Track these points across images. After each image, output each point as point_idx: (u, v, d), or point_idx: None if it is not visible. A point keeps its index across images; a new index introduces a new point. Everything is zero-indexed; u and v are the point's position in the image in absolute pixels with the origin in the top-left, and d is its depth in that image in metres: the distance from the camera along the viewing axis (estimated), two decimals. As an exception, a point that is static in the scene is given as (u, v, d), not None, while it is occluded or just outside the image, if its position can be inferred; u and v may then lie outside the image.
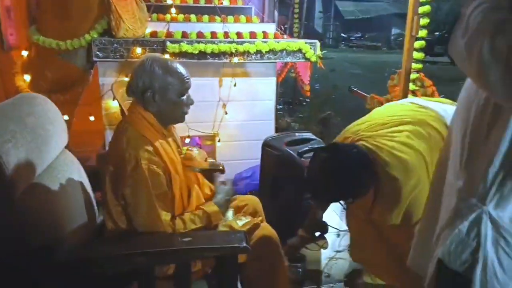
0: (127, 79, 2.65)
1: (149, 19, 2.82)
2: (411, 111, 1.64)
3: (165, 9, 2.94)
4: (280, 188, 2.28)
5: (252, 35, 2.82)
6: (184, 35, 2.73)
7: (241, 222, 1.49)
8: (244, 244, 1.22)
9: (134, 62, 2.62)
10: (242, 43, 2.71)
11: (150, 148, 1.33)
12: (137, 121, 1.38)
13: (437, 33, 14.39)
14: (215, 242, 1.24)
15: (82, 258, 1.18)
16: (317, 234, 2.47)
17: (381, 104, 4.06)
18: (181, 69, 1.41)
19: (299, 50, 2.80)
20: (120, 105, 2.35)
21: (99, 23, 2.58)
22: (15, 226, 1.12)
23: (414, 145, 1.47)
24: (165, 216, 1.32)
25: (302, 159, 2.22)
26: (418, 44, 2.28)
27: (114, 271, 1.21)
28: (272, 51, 2.77)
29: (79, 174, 1.60)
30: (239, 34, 2.79)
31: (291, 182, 2.24)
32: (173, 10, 2.92)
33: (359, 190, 1.53)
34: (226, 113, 2.89)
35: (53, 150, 1.46)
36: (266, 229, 1.54)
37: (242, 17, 3.00)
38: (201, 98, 3.01)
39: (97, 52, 2.55)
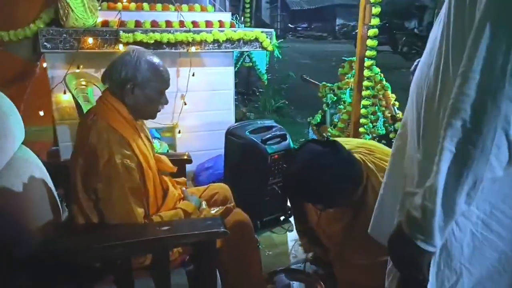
0: (78, 70, 2.56)
1: (99, 8, 2.70)
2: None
3: (115, -3, 2.83)
4: (245, 175, 2.31)
5: (208, 24, 2.80)
6: (138, 24, 2.65)
7: (214, 211, 1.51)
8: (223, 229, 1.24)
9: (86, 53, 2.52)
10: (198, 32, 2.68)
11: (123, 141, 1.30)
12: (108, 113, 1.34)
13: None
14: (194, 228, 1.24)
15: (59, 250, 1.14)
16: (282, 218, 2.55)
17: (332, 91, 4.22)
18: (164, 68, 1.41)
19: (256, 39, 2.82)
20: (74, 97, 2.25)
21: (46, 12, 2.44)
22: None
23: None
24: (140, 211, 1.31)
25: (265, 146, 2.26)
26: (371, 32, 2.39)
27: (92, 263, 1.18)
28: (229, 40, 2.77)
29: (40, 170, 1.52)
30: (194, 23, 2.76)
31: (256, 169, 2.28)
32: (124, -2, 2.82)
33: (338, 199, 1.49)
34: (185, 104, 2.86)
35: (11, 146, 1.38)
36: (239, 214, 1.57)
37: (197, 6, 2.96)
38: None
39: (45, 43, 2.40)
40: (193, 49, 2.68)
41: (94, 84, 2.51)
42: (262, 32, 2.84)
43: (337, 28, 19.32)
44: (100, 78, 2.59)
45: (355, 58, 3.77)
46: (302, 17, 19.51)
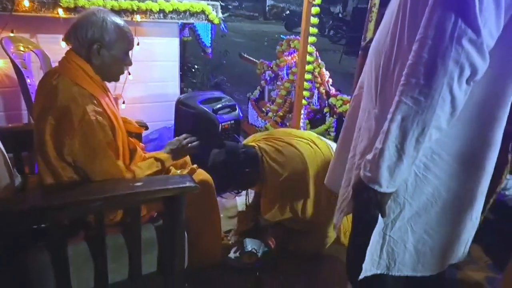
0: (12, 35, 2.39)
1: (33, -32, 2.52)
2: (309, 134, 2.09)
3: (52, -42, 2.65)
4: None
5: (154, -7, 2.76)
6: (78, -12, 2.53)
7: (179, 171, 1.59)
8: (195, 184, 1.34)
9: (21, 16, 2.36)
10: (144, 0, 2.64)
11: (92, 98, 1.31)
12: (73, 72, 1.33)
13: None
14: (167, 183, 1.32)
15: (38, 207, 1.14)
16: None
17: (270, 69, 4.39)
18: (129, 29, 1.42)
19: (202, 12, 2.85)
20: (13, 62, 2.12)
21: (-26, -32, 2.22)
22: None
23: (296, 146, 1.90)
24: (121, 163, 1.34)
25: (216, 115, 2.35)
26: (314, 10, 2.57)
27: (70, 219, 1.20)
28: (175, 11, 2.76)
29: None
30: (139, -9, 2.70)
31: (208, 137, 2.36)
32: (61, -41, 2.65)
33: (242, 183, 1.94)
34: (129, 74, 2.82)
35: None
36: (202, 174, 1.66)
37: (141, -26, 2.89)
38: (100, 58, 2.88)
39: (-27, 3, 2.21)
40: (138, 17, 2.64)
41: (32, 51, 2.37)
42: (208, 4, 2.87)
43: (267, 8, 19.50)
44: (36, 44, 2.47)
45: (292, 36, 3.98)
46: (233, -5, 19.32)
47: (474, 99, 0.90)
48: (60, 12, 2.42)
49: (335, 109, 3.63)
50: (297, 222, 1.97)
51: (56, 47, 2.59)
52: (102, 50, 1.35)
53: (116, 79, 1.47)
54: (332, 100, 3.58)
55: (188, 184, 1.32)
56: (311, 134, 2.13)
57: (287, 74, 4.22)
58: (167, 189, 1.30)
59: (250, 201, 2.26)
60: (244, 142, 2.13)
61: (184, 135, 1.69)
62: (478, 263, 2.26)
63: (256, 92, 4.56)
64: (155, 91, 2.99)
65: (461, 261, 1.17)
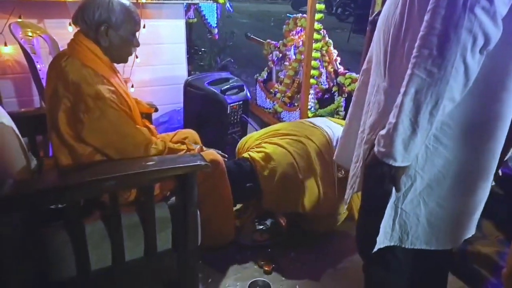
0: (20, 20, 2.40)
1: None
2: (301, 128, 2.13)
3: None
4: (205, 125, 2.40)
5: (158, -27, 2.74)
6: (83, -29, 2.52)
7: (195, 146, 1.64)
8: (206, 162, 1.35)
9: (28, 1, 2.37)
10: (149, -19, 2.62)
11: (103, 78, 1.33)
12: (82, 53, 1.34)
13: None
14: (179, 162, 1.34)
15: (54, 186, 1.17)
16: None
17: (277, 49, 4.34)
18: (135, 9, 1.43)
19: (208, -8, 2.83)
20: (22, 47, 2.13)
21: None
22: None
23: (284, 146, 1.97)
24: (144, 129, 1.39)
25: (225, 96, 2.36)
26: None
27: (85, 198, 1.24)
28: (180, -8, 2.75)
29: (7, 119, 1.49)
30: (144, -28, 2.69)
31: (216, 119, 2.38)
32: None
33: (249, 196, 1.98)
34: (137, 57, 2.82)
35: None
36: (212, 154, 1.68)
37: (146, -46, 2.86)
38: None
39: (-20, -11, 2.22)
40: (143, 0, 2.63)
41: (40, 36, 2.39)
42: (213, -16, 2.85)
43: (273, -12, 19.17)
44: (44, 29, 2.48)
45: (299, 15, 3.92)
46: (237, -25, 19.01)
47: (483, 69, 0.89)
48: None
49: (343, 88, 3.59)
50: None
51: (64, 32, 2.60)
52: (109, 31, 1.36)
53: (125, 61, 1.49)
54: (340, 79, 3.54)
55: (198, 162, 1.34)
56: (301, 123, 2.18)
57: (295, 54, 4.18)
58: (178, 168, 1.32)
59: None
60: (238, 145, 2.20)
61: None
62: (489, 238, 2.26)
63: (264, 73, 4.53)
64: (163, 74, 2.99)
65: (472, 234, 1.17)
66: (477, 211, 1.12)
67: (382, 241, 1.12)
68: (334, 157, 1.45)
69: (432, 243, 1.13)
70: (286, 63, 4.33)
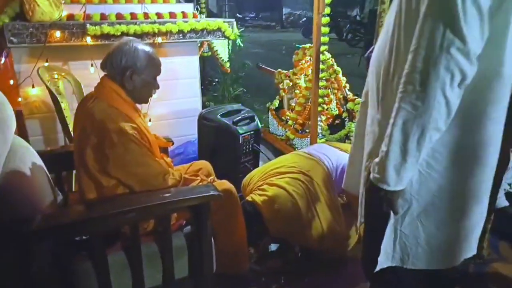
0: (47, 64, 2.60)
1: (63, 1, 2.74)
2: (299, 162, 2.19)
3: (78, -9, 2.87)
4: (218, 156, 2.51)
5: (172, 15, 2.93)
6: (103, 17, 2.73)
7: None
8: (218, 192, 1.45)
9: (53, 46, 2.57)
10: (163, 23, 2.80)
11: (126, 117, 1.46)
12: (108, 95, 1.49)
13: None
14: (193, 193, 1.44)
15: (80, 219, 1.28)
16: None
17: (288, 77, 4.48)
18: (156, 56, 1.59)
19: (219, 29, 3.00)
20: (49, 90, 2.31)
21: (10, 7, 2.46)
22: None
23: (285, 187, 2.04)
24: (162, 162, 1.52)
25: (237, 127, 2.47)
26: (324, 20, 2.67)
27: (108, 230, 1.33)
28: (193, 31, 2.91)
29: (37, 157, 1.63)
30: (159, 15, 2.88)
31: (229, 149, 2.48)
32: (87, -8, 2.86)
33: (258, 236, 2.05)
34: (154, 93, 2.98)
35: (10, 133, 1.48)
36: (225, 183, 1.78)
37: (159, -2, 3.07)
38: (125, 80, 3.07)
39: (11, 38, 2.42)
40: (159, 39, 2.81)
41: (65, 77, 2.57)
42: (224, 22, 3.02)
43: (284, 17, 19.71)
44: (68, 71, 2.67)
45: (308, 45, 4.08)
46: (249, 6, 19.67)
47: (464, 101, 0.97)
48: (88, 40, 2.61)
49: (353, 113, 3.69)
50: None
51: (85, 72, 2.80)
52: (134, 76, 1.50)
53: (146, 101, 1.62)
54: (350, 105, 3.63)
55: (212, 192, 1.44)
56: (299, 156, 2.27)
57: (305, 82, 4.31)
58: (193, 198, 1.42)
59: None
60: (243, 183, 2.29)
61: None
62: (507, 260, 2.26)
63: (276, 102, 4.67)
64: (179, 108, 3.14)
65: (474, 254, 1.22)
66: (474, 232, 1.17)
67: (383, 261, 1.17)
68: (343, 185, 1.53)
69: (432, 263, 1.18)
70: (297, 91, 4.46)
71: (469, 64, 0.90)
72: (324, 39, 2.78)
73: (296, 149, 3.93)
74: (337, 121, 3.94)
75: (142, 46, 1.54)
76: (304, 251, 2.14)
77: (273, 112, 4.56)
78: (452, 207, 1.12)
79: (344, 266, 2.09)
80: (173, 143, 2.02)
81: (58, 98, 2.29)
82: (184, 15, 2.98)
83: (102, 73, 2.92)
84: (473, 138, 1.06)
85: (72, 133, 1.72)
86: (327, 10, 2.66)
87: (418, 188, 1.10)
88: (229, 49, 3.59)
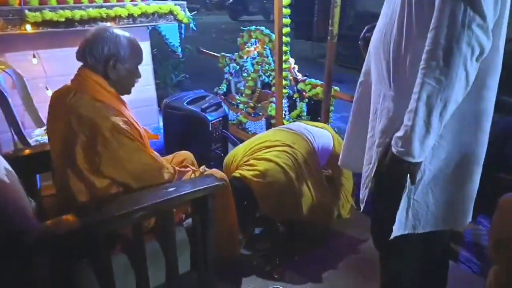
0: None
1: (-8, -16, 2.40)
2: (283, 136, 2.22)
3: (8, -28, 2.53)
4: (188, 144, 2.42)
5: (119, -2, 2.73)
6: (42, 1, 2.46)
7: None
8: (222, 181, 1.42)
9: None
10: (111, 7, 2.61)
11: (114, 111, 1.34)
12: (91, 88, 1.35)
13: (248, -6, 15.58)
14: (198, 185, 1.38)
15: (92, 222, 1.17)
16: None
17: (234, 61, 4.44)
18: (138, 43, 1.47)
19: (170, 12, 2.87)
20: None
21: None
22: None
23: (274, 160, 2.04)
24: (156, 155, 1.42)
25: (205, 114, 2.41)
26: (285, 1, 2.67)
27: (112, 232, 1.24)
28: (144, 14, 2.76)
29: (4, 162, 1.44)
30: (105, -2, 2.67)
31: (199, 137, 2.42)
32: (19, -27, 2.54)
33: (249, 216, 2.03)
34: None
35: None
36: (217, 172, 1.73)
37: (103, -20, 2.83)
38: (70, 70, 2.78)
39: None
40: (108, 25, 2.60)
41: (4, 71, 2.29)
42: (175, 4, 2.89)
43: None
44: (7, 63, 2.38)
45: (253, 27, 4.06)
46: (170, -11, 18.93)
47: None
48: (28, 28, 2.34)
49: (304, 93, 3.78)
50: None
51: (27, 64, 2.52)
52: (117, 65, 1.38)
53: (128, 92, 1.51)
54: (301, 85, 3.71)
55: (216, 183, 1.40)
56: (281, 131, 2.30)
57: (252, 65, 4.30)
58: (199, 190, 1.37)
59: None
60: (226, 162, 2.24)
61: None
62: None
63: (223, 86, 4.61)
64: (133, 97, 2.94)
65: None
66: (473, 197, 1.29)
67: (397, 230, 1.25)
68: (339, 163, 1.58)
69: (438, 224, 1.28)
70: (245, 74, 4.45)
71: (487, 39, 0.98)
72: (286, 20, 2.79)
73: (250, 132, 3.96)
74: (289, 102, 4.02)
75: (123, 33, 1.41)
76: (288, 230, 2.18)
77: (222, 97, 4.50)
78: (457, 172, 1.22)
79: (327, 240, 2.17)
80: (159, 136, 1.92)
81: (5, 94, 2.03)
82: (132, -2, 2.80)
83: (48, 65, 2.68)
84: (475, 107, 1.15)
85: (47, 132, 1.52)
86: (288, -8, 2.66)
87: (430, 158, 1.18)
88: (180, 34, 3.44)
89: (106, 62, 1.37)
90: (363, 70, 1.39)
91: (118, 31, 1.40)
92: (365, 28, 1.46)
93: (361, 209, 1.37)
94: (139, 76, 1.50)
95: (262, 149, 2.15)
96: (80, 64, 1.42)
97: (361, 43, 1.45)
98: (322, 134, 2.27)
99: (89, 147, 1.29)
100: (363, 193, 1.35)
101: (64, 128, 1.32)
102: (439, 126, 1.05)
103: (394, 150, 1.11)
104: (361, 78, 1.41)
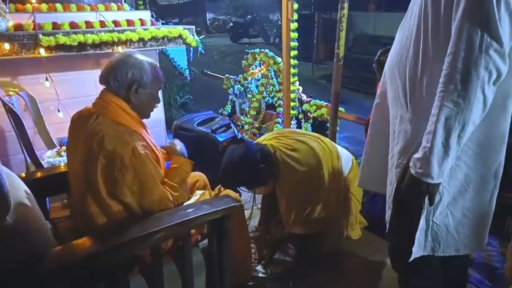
0: (1, 79, 2.33)
1: (7, 10, 2.46)
2: (312, 135, 2.16)
3: (23, -1, 2.60)
4: (198, 165, 2.43)
5: (130, 23, 2.78)
6: (55, 26, 2.51)
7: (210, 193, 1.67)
8: (238, 202, 1.42)
9: (2, 60, 2.30)
10: (123, 31, 2.66)
11: (135, 134, 1.36)
12: (113, 112, 1.37)
13: (249, 17, 15.93)
14: (214, 206, 1.39)
15: (112, 245, 1.17)
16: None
17: (238, 83, 4.50)
18: (160, 69, 1.51)
19: (180, 36, 2.92)
20: (7, 105, 2.06)
21: None
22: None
23: (304, 141, 1.99)
24: (165, 191, 1.42)
25: (216, 135, 2.43)
26: (293, 26, 2.74)
27: (133, 254, 1.24)
28: (154, 38, 2.81)
29: (22, 183, 1.45)
30: (116, 23, 2.72)
31: (209, 158, 2.43)
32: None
33: (257, 180, 1.93)
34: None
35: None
36: (231, 193, 1.74)
37: (113, 5, 2.90)
38: (81, 92, 2.83)
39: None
40: (119, 49, 2.66)
41: (18, 94, 2.32)
42: (184, 29, 2.95)
43: (208, 22, 19.69)
44: (20, 86, 2.42)
45: (257, 50, 4.14)
46: (172, 12, 19.27)
47: None
48: (42, 52, 2.38)
49: (309, 114, 3.82)
50: (311, 226, 2.07)
51: (39, 87, 2.56)
52: (139, 89, 1.41)
53: (148, 116, 1.53)
54: (305, 106, 3.77)
55: (233, 203, 1.41)
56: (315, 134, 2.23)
57: (256, 87, 4.37)
58: (216, 211, 1.38)
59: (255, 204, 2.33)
60: (256, 141, 2.18)
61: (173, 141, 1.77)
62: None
63: (228, 107, 4.66)
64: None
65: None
66: (490, 219, 1.30)
67: (417, 251, 1.25)
68: (358, 182, 1.59)
69: (460, 249, 1.28)
70: (250, 95, 4.50)
71: (504, 64, 1.01)
72: (294, 44, 2.85)
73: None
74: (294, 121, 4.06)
75: (146, 58, 1.46)
76: (299, 252, 2.17)
77: (226, 117, 4.54)
78: (476, 193, 1.23)
79: (338, 261, 2.16)
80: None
81: (20, 116, 2.05)
82: (142, 22, 2.86)
83: (60, 88, 2.71)
84: (494, 130, 1.17)
85: (66, 154, 1.52)
86: (295, 16, 2.73)
87: (448, 179, 1.19)
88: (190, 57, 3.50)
89: (129, 86, 1.40)
90: (378, 92, 1.43)
91: (142, 57, 1.44)
92: (379, 51, 1.50)
93: (386, 230, 1.37)
94: (159, 101, 1.54)
95: (293, 134, 2.09)
96: (96, 87, 1.46)
97: (375, 66, 1.49)
98: (342, 149, 2.25)
99: (108, 170, 1.31)
100: (388, 214, 1.36)
101: (85, 150, 1.33)
102: (457, 148, 1.07)
103: (412, 171, 1.12)
104: (376, 100, 1.44)
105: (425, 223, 1.23)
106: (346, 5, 2.51)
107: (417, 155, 1.11)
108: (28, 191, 1.39)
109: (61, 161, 2.31)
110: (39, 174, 1.72)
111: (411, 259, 1.24)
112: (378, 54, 1.48)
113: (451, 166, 1.12)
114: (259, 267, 2.05)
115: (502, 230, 2.31)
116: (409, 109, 1.21)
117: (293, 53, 2.86)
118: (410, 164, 1.14)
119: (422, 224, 1.23)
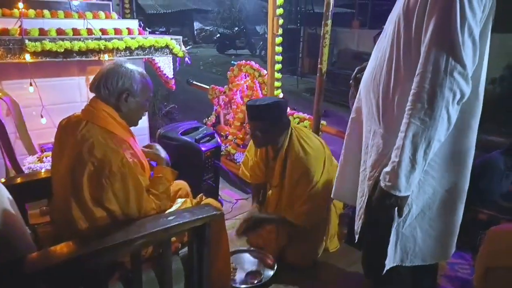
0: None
1: (-7, 14, 2.47)
2: None
3: (10, 3, 2.60)
4: (181, 174, 2.46)
5: (117, 31, 2.82)
6: (42, 32, 2.52)
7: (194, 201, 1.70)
8: (220, 210, 1.46)
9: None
10: (110, 39, 2.69)
11: (123, 143, 1.39)
12: (103, 119, 1.40)
13: (236, 28, 16.09)
14: (196, 214, 1.42)
15: (93, 250, 1.19)
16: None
17: (223, 93, 4.56)
18: (149, 78, 1.54)
19: (166, 46, 2.97)
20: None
21: None
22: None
23: (320, 140, 2.19)
24: (151, 197, 1.45)
25: (199, 144, 2.46)
26: (278, 40, 2.81)
27: (114, 260, 1.25)
28: (141, 47, 2.85)
29: (4, 189, 1.46)
30: (103, 31, 2.76)
31: (192, 167, 2.46)
32: (20, 4, 2.61)
33: (277, 123, 2.06)
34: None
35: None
36: (213, 201, 1.77)
37: (101, 13, 2.93)
38: (65, 99, 2.82)
39: None
40: (105, 57, 2.68)
41: (1, 99, 2.31)
42: (171, 39, 3.00)
43: (196, 32, 19.78)
44: (3, 90, 2.41)
45: (243, 61, 4.21)
46: (158, 21, 19.31)
47: None
48: (27, 57, 2.39)
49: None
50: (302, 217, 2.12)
51: (23, 92, 2.55)
52: (129, 98, 1.45)
53: (136, 124, 1.56)
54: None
55: (213, 212, 1.44)
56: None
57: (241, 98, 4.42)
58: (197, 219, 1.41)
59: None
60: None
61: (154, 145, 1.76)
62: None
63: (212, 117, 4.70)
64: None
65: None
66: (457, 230, 1.37)
67: (388, 262, 1.31)
68: (332, 195, 1.65)
69: (427, 259, 1.35)
70: (234, 106, 4.55)
71: (467, 85, 1.09)
72: (278, 58, 2.92)
73: (238, 163, 4.01)
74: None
75: (136, 68, 1.49)
76: (278, 262, 2.21)
77: (211, 127, 4.58)
78: (443, 206, 1.30)
79: (317, 272, 2.20)
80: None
81: (3, 122, 2.05)
82: (130, 31, 2.90)
83: (44, 94, 2.71)
84: (460, 146, 1.25)
85: (51, 159, 1.53)
86: (280, 30, 2.81)
87: (417, 192, 1.26)
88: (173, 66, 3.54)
89: (119, 95, 1.43)
90: (354, 107, 1.50)
91: (132, 66, 1.48)
92: (356, 69, 1.58)
93: (356, 240, 1.43)
94: (147, 109, 1.57)
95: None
96: (80, 94, 1.49)
97: (352, 83, 1.56)
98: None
99: (95, 177, 1.32)
100: (357, 224, 1.41)
101: (73, 156, 1.34)
102: (423, 163, 1.14)
103: (382, 184, 1.18)
104: (352, 115, 1.51)
105: (395, 235, 1.29)
106: (329, 22, 2.60)
107: (387, 169, 1.18)
108: (11, 197, 1.39)
109: (42, 167, 2.30)
110: (19, 180, 1.71)
111: (384, 271, 1.30)
112: (355, 71, 1.56)
113: (418, 180, 1.19)
114: (236, 277, 2.07)
115: (474, 244, 2.40)
116: (382, 124, 1.28)
117: (277, 66, 2.93)
118: (380, 177, 1.20)
119: (393, 236, 1.29)
